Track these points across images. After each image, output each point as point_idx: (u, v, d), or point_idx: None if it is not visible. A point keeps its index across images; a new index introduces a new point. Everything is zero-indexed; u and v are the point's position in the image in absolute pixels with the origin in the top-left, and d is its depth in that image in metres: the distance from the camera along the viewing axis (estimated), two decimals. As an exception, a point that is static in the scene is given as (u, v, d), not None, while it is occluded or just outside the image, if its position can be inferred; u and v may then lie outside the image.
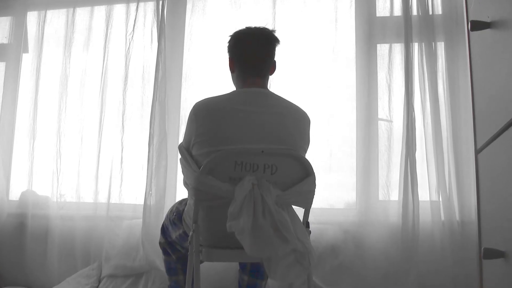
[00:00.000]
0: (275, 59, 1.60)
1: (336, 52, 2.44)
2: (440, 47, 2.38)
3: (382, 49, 2.46)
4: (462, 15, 2.27)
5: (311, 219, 1.54)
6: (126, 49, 2.55)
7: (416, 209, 2.17)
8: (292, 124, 1.50)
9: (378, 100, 2.40)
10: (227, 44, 1.61)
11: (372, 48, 2.45)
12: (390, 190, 2.30)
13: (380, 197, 2.33)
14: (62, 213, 2.46)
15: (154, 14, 2.53)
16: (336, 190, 2.34)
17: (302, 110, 1.56)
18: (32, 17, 2.73)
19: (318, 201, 2.22)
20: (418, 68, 2.35)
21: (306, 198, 1.48)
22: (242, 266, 1.76)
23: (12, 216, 2.51)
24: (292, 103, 1.55)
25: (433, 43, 2.33)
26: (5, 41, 2.73)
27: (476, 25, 1.19)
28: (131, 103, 2.53)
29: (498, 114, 1.12)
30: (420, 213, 2.17)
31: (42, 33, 2.65)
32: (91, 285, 2.26)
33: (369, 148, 2.35)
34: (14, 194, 2.60)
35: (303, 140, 1.52)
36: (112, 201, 2.45)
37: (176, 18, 2.60)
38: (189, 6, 2.57)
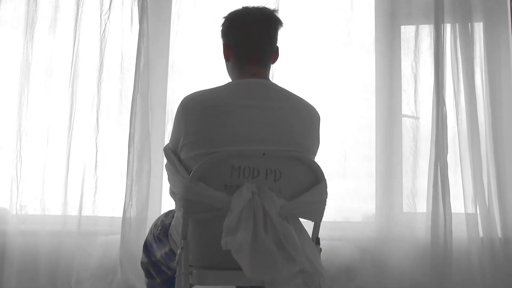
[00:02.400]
0: (278, 44, 1.63)
1: (352, 36, 2.47)
2: (478, 29, 2.40)
3: (407, 31, 2.49)
4: (505, -11, 2.31)
5: (322, 234, 1.57)
6: (101, 32, 2.57)
7: (448, 223, 2.19)
8: (299, 121, 1.52)
9: (402, 92, 2.43)
10: (221, 28, 1.63)
11: (395, 31, 2.48)
12: (417, 200, 2.33)
13: (405, 209, 2.36)
14: (23, 228, 2.47)
15: (135, -11, 2.57)
16: (351, 200, 2.37)
17: (311, 105, 1.58)
18: (-16, -8, 2.74)
19: (331, 213, 2.24)
20: (451, 54, 2.38)
21: (316, 210, 1.50)
22: (240, 291, 1.78)
23: (-39, 233, 2.51)
24: (299, 97, 1.58)
25: (469, 24, 2.36)
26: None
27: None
28: (108, 97, 2.55)
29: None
30: (454, 228, 2.20)
31: (-3, 12, 2.67)
32: (59, 314, 2.28)
33: (391, 150, 2.38)
34: (-36, 206, 2.62)
35: (312, 141, 1.55)
36: (84, 213, 2.48)
37: (161, -5, 2.64)
38: (176, -20, 2.61)
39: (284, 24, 1.62)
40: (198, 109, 1.48)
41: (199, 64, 2.54)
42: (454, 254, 2.18)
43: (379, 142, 2.41)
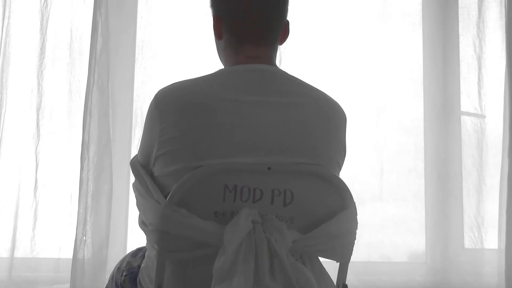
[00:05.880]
0: (288, 18, 1.65)
1: (390, 7, 2.49)
2: None
3: (468, -2, 2.52)
4: None
5: (351, 279, 1.58)
6: (42, 2, 2.59)
7: (532, 264, 2.21)
8: (319, 123, 1.53)
9: (461, 81, 2.44)
10: (210, -6, 1.66)
11: (450, -3, 2.50)
12: (484, 232, 2.33)
13: (467, 244, 2.36)
14: None
15: None
16: (392, 232, 2.37)
17: (335, 101, 1.59)
18: None
19: (363, 251, 2.27)
20: (531, 28, 2.40)
21: (341, 245, 1.51)
22: None
23: None
24: (318, 90, 1.59)
25: (556, -14, 2.38)
26: None
27: None
28: (52, 91, 2.57)
29: None
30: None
31: None
32: None
33: (445, 162, 2.39)
34: None
35: (336, 150, 1.56)
36: (19, 254, 2.49)
37: (125, -51, 2.66)
38: None
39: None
40: (177, 106, 1.49)
41: (180, 45, 2.56)
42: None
43: (429, 151, 2.42)
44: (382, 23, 2.50)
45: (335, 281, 1.53)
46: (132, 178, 1.60)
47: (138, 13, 2.63)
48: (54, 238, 2.51)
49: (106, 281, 1.80)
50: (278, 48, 1.66)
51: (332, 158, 1.54)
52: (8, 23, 2.61)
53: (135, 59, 2.61)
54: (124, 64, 2.61)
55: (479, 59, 2.44)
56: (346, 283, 1.55)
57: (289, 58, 2.41)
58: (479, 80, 2.43)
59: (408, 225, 2.40)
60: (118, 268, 1.73)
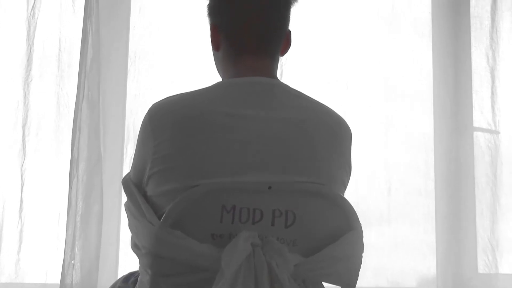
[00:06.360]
0: (290, 28, 1.66)
1: (398, 12, 2.50)
2: None
3: (480, 4, 2.52)
4: None
5: (356, 306, 1.58)
6: (29, 10, 2.60)
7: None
8: (321, 138, 1.53)
9: (473, 95, 2.44)
10: (207, 2, 1.67)
11: (461, 3, 2.51)
12: (498, 256, 2.33)
13: (481, 268, 2.36)
14: None
15: None
16: (401, 256, 2.37)
17: (340, 117, 1.60)
18: None
19: (370, 275, 2.26)
20: (547, 39, 2.41)
21: (347, 269, 1.51)
22: None
23: None
24: (321, 104, 1.59)
25: None
26: None
27: None
28: (39, 105, 2.58)
29: None
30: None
31: None
32: None
33: (457, 181, 2.39)
34: None
35: (341, 167, 1.56)
36: (3, 279, 2.48)
37: (117, -44, 2.68)
38: None
39: (299, -1, 1.65)
40: (172, 121, 1.49)
41: (175, 56, 2.56)
42: None
43: (440, 169, 2.42)
44: (389, 33, 2.51)
45: (340, 308, 1.54)
46: (124, 198, 1.60)
47: (131, 23, 2.63)
48: (41, 262, 2.50)
49: (96, 309, 1.80)
50: (280, 60, 1.67)
51: (336, 176, 1.54)
52: (-8, 34, 2.63)
53: (128, 71, 2.62)
54: (115, 76, 2.61)
55: (493, 71, 2.45)
56: (351, 310, 1.56)
57: (291, 70, 2.42)
58: (492, 93, 2.43)
59: (418, 248, 2.40)
60: (109, 295, 1.73)
